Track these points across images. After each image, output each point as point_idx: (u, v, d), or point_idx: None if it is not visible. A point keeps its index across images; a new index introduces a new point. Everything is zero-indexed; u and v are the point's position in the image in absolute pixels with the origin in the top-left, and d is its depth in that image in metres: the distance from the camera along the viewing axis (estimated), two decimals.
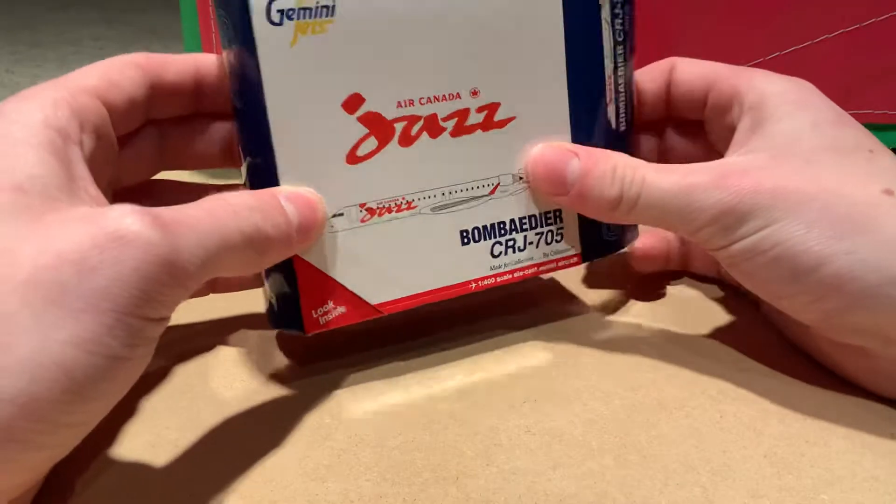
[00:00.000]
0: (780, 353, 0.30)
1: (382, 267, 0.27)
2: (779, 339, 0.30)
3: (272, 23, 0.24)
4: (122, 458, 0.24)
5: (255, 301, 0.30)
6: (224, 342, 0.31)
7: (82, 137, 0.23)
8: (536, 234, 0.29)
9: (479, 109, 0.27)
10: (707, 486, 0.23)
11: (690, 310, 0.33)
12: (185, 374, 0.29)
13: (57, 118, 0.22)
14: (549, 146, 0.28)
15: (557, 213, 0.29)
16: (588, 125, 0.29)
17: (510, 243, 0.29)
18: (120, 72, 0.25)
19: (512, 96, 0.28)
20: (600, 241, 0.30)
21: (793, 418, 0.26)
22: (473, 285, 0.29)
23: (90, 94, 0.24)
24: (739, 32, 0.40)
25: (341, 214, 0.26)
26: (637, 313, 0.32)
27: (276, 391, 0.28)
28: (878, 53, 0.39)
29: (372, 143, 0.26)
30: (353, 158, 0.26)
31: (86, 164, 0.22)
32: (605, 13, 0.28)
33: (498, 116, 0.28)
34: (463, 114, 0.27)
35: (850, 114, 0.42)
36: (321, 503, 0.23)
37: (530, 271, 0.29)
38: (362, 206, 0.26)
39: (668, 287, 0.34)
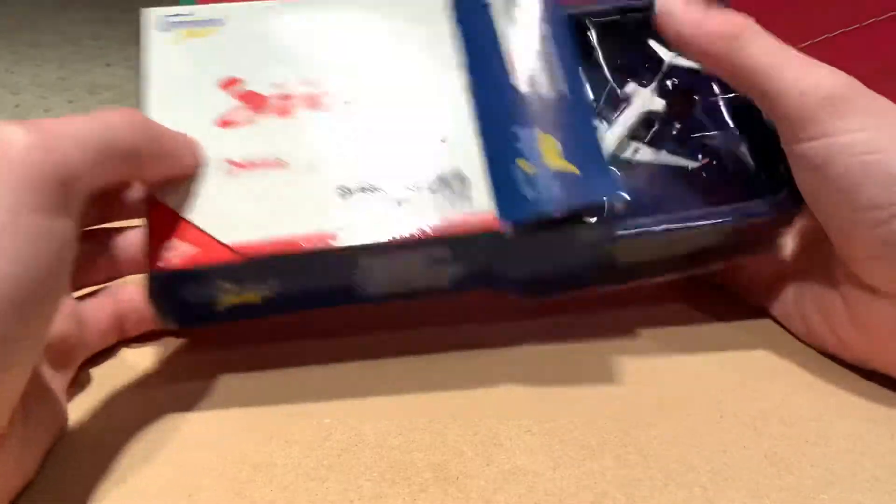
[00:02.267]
0: (782, 355, 0.30)
1: (242, 213, 0.26)
2: (780, 341, 0.30)
3: (163, 29, 0.29)
4: (120, 458, 0.24)
5: None
6: (225, 341, 0.30)
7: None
8: (434, 191, 0.27)
9: (367, 90, 0.29)
10: (707, 486, 0.23)
11: (691, 311, 0.33)
12: (184, 373, 0.29)
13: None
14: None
15: (460, 175, 0.27)
16: (491, 94, 0.28)
17: (402, 200, 0.27)
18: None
19: (401, 81, 0.29)
20: (523, 199, 0.26)
21: (793, 418, 0.26)
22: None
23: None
24: None
25: (204, 165, 0.27)
26: (637, 314, 0.32)
27: (276, 391, 0.28)
28: (878, 53, 0.39)
29: (245, 112, 0.28)
30: (223, 123, 0.27)
31: None
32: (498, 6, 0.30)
33: (387, 94, 0.29)
34: (338, 85, 0.29)
35: None
36: (321, 503, 0.23)
37: (431, 229, 0.26)
38: (227, 160, 0.27)
39: (670, 289, 0.34)
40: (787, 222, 0.29)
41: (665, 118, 0.31)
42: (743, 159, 0.30)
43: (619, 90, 0.31)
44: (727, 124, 0.30)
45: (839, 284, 0.28)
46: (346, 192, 0.27)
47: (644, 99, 0.30)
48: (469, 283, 0.28)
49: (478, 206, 0.27)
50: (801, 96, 0.26)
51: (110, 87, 0.57)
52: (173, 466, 0.24)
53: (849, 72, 0.40)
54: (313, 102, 0.28)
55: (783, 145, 0.27)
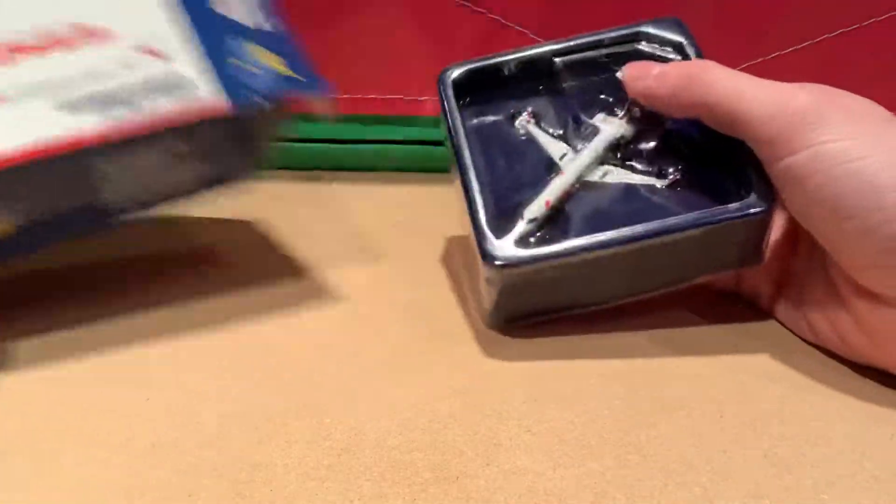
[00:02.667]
0: (782, 355, 0.30)
1: None
2: (780, 341, 0.30)
3: None
4: (119, 458, 0.24)
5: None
6: (225, 341, 0.30)
7: None
8: (151, 90, 0.28)
9: (78, 32, 0.29)
10: (707, 486, 0.23)
11: (692, 311, 0.33)
12: (182, 373, 0.29)
13: None
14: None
15: (180, 76, 0.28)
16: (202, 18, 0.30)
17: (119, 101, 0.28)
18: None
19: (117, 24, 0.30)
20: (245, 87, 0.29)
21: (793, 418, 0.26)
22: (73, 139, 0.27)
23: None
24: (740, 33, 0.40)
25: None
26: (638, 314, 0.32)
27: (275, 390, 0.28)
28: (877, 53, 0.39)
29: None
30: None
31: None
32: None
33: (99, 36, 0.29)
34: (57, 36, 0.29)
35: None
36: (321, 503, 0.23)
37: (152, 121, 0.27)
38: None
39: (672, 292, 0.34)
40: (761, 228, 0.29)
41: (635, 141, 0.31)
42: (712, 174, 0.30)
43: (586, 119, 0.32)
44: (694, 142, 0.31)
45: (841, 292, 0.28)
46: (68, 105, 0.27)
47: (614, 127, 0.31)
48: (214, 181, 0.29)
49: (204, 95, 0.28)
50: (775, 114, 0.26)
51: None
52: (172, 466, 0.24)
53: (848, 72, 0.40)
54: (23, 50, 0.29)
55: (765, 167, 0.27)
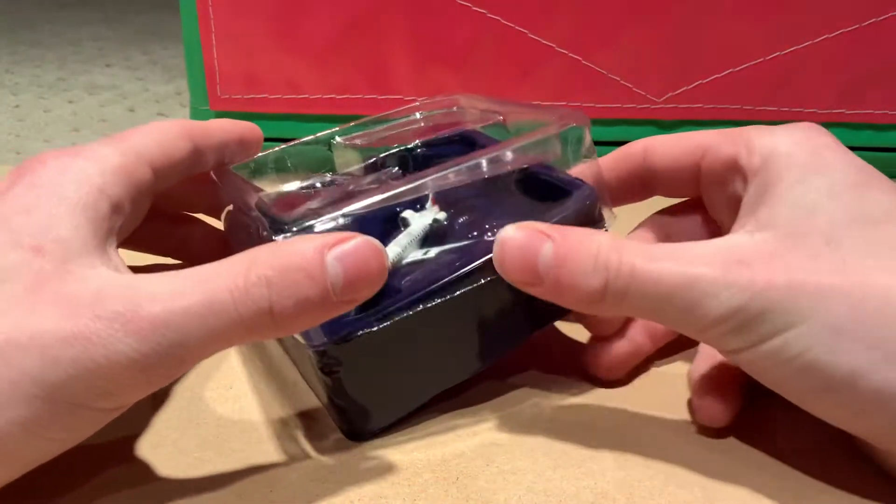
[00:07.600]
0: None
1: None
2: None
3: None
4: (120, 459, 0.24)
5: None
6: None
7: (127, 207, 0.24)
8: None
9: None
10: (707, 486, 0.23)
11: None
12: (184, 374, 0.29)
13: (114, 187, 0.23)
14: (519, 227, 0.23)
15: None
16: None
17: None
18: (174, 143, 0.26)
19: None
20: None
21: (793, 418, 0.26)
22: None
23: (147, 164, 0.25)
24: (739, 32, 0.40)
25: None
26: None
27: (275, 390, 0.28)
28: (877, 53, 0.39)
29: None
30: None
31: (119, 232, 0.24)
32: None
33: None
34: None
35: (850, 114, 0.42)
36: (321, 503, 0.23)
37: None
38: None
39: None
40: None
41: (451, 221, 0.28)
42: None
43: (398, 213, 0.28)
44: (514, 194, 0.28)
45: None
46: None
47: (423, 218, 0.27)
48: None
49: None
50: (702, 333, 0.22)
51: (110, 87, 0.58)
52: (172, 466, 0.24)
53: (849, 72, 0.40)
54: None
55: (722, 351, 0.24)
